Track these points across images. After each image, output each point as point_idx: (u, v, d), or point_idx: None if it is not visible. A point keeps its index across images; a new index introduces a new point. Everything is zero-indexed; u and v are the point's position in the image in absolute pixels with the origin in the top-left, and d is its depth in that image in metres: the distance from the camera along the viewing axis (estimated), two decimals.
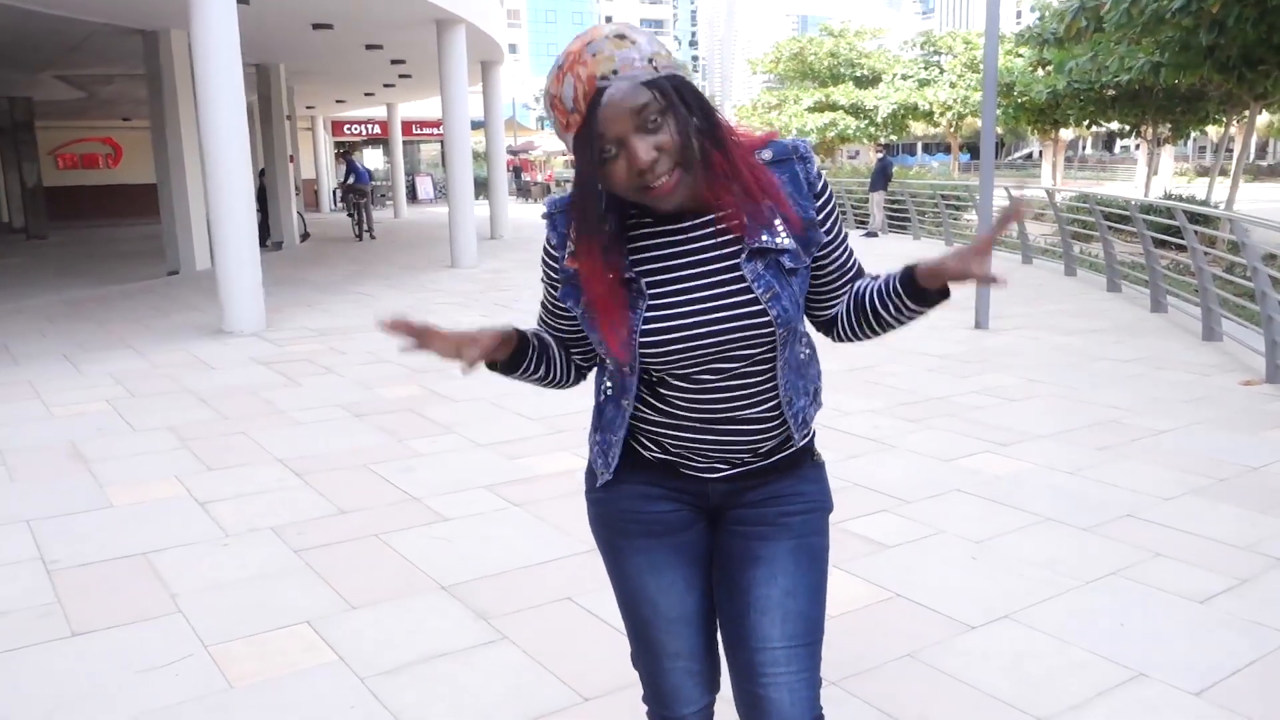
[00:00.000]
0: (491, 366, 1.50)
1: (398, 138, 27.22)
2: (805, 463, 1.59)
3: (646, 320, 1.41)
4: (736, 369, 1.45)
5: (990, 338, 7.79)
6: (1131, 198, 11.65)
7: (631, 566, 1.59)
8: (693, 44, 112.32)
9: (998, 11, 7.84)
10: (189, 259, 13.27)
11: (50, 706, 2.64)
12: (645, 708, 1.70)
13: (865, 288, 1.51)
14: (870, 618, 3.07)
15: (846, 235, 1.53)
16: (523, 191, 34.72)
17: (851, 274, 1.55)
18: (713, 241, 1.42)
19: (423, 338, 1.37)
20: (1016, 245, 13.35)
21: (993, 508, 4.02)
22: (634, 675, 1.70)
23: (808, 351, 1.55)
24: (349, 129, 33.87)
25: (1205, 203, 17.44)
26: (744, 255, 1.41)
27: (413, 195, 33.12)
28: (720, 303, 1.41)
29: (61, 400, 6.17)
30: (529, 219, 23.71)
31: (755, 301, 1.40)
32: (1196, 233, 7.97)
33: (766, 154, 1.44)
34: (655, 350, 1.42)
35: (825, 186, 1.48)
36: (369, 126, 33.91)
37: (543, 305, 1.61)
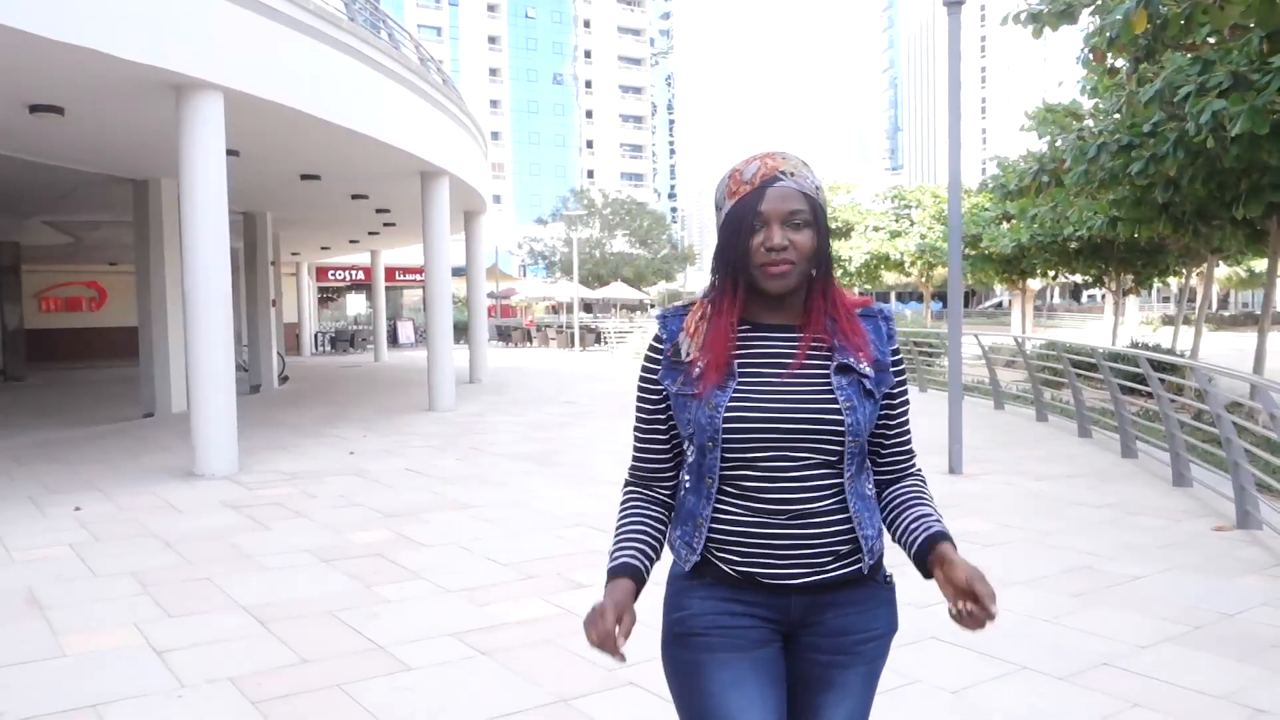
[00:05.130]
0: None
1: (380, 283, 27.69)
2: (879, 582, 1.74)
3: (734, 396, 1.63)
4: (807, 462, 1.63)
5: (964, 483, 7.81)
6: (1098, 345, 11.90)
7: (715, 683, 1.64)
8: (671, 196, 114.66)
9: (959, 167, 8.22)
10: (165, 401, 13.25)
11: None
12: None
13: (906, 509, 1.74)
14: None
15: (908, 395, 1.77)
16: (503, 335, 35.11)
17: (904, 438, 1.77)
18: (806, 351, 1.67)
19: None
20: (989, 392, 13.55)
21: (969, 656, 3.96)
22: None
23: (871, 489, 1.74)
24: (333, 274, 34.42)
25: (1171, 351, 17.83)
26: (834, 368, 1.66)
27: (394, 339, 33.44)
28: (805, 398, 1.63)
29: (22, 544, 6.03)
30: (509, 363, 23.93)
31: (835, 405, 1.63)
32: (1162, 380, 8.13)
33: (857, 309, 1.73)
34: (737, 424, 1.61)
35: (897, 343, 1.75)
36: (353, 272, 34.48)
37: (640, 428, 1.76)
